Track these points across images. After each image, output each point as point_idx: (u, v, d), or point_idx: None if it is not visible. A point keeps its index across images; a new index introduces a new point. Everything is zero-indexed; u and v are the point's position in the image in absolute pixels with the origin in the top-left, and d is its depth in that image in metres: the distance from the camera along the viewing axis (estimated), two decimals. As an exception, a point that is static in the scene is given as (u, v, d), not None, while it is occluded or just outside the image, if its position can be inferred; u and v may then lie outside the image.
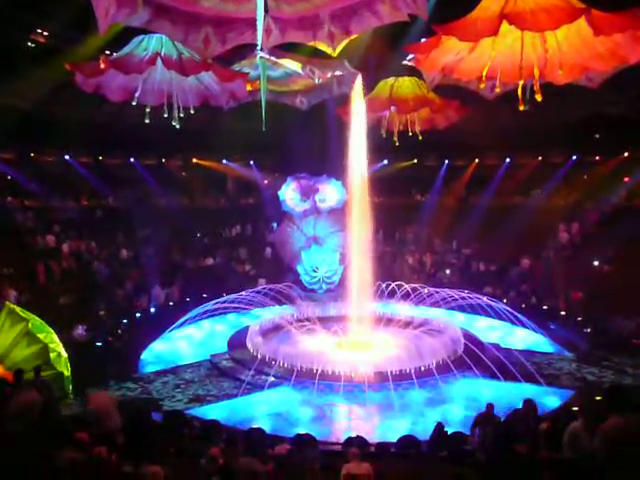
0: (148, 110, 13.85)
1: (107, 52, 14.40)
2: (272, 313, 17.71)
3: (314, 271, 21.22)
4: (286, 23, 9.53)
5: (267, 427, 9.98)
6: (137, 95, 13.38)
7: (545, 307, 19.01)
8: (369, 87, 16.51)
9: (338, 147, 16.90)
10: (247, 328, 16.06)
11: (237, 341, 15.83)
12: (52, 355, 10.80)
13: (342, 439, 9.32)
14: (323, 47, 10.12)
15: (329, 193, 21.63)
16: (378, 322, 16.53)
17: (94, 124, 20.98)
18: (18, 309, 11.34)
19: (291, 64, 14.90)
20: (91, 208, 24.19)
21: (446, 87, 12.38)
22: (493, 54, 9.89)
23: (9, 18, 15.80)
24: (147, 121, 13.88)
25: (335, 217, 21.38)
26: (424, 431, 9.44)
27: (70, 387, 11.07)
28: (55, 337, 11.37)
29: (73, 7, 13.67)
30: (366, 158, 16.37)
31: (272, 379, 12.81)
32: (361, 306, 15.96)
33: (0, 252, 17.83)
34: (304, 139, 21.66)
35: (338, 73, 15.35)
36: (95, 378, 12.34)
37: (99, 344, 14.93)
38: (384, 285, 17.50)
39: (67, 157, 23.69)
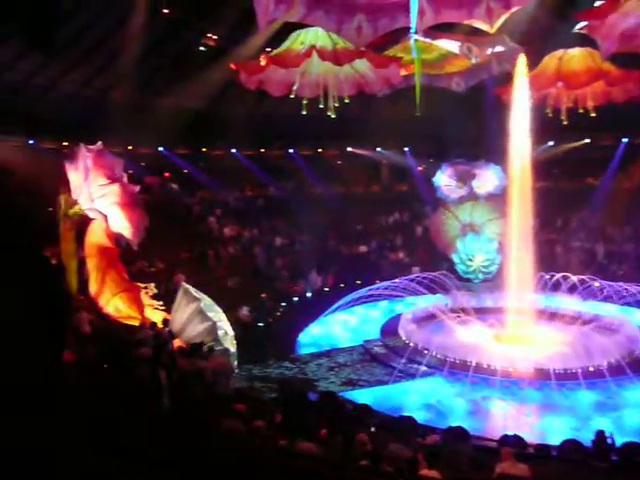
0: (305, 102, 14.39)
1: (267, 50, 15.18)
2: (425, 302, 17.44)
3: (470, 260, 20.41)
4: (440, 3, 9.19)
5: (418, 416, 9.87)
6: (295, 88, 13.97)
7: None
8: (533, 62, 15.31)
9: (497, 130, 15.97)
10: (400, 316, 16.03)
11: (390, 328, 15.89)
12: (220, 332, 11.80)
13: (497, 436, 8.87)
14: (480, 25, 9.60)
15: (487, 178, 20.59)
16: (540, 316, 15.41)
17: (256, 119, 22.34)
18: (192, 289, 12.56)
19: (447, 44, 14.40)
20: (254, 198, 25.89)
21: (624, 56, 11.00)
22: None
23: (185, 25, 17.44)
24: (304, 113, 14.42)
25: (493, 204, 20.32)
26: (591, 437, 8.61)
27: (235, 363, 12.02)
28: (223, 316, 12.41)
29: (237, 10, 14.66)
30: (529, 140, 15.25)
31: (424, 368, 12.63)
32: (521, 298, 15.00)
33: (178, 239, 19.85)
34: (460, 123, 20.82)
35: (498, 50, 14.47)
36: (256, 356, 13.24)
37: (260, 325, 15.99)
38: (547, 276, 16.24)
39: (233, 151, 25.58)
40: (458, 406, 11.06)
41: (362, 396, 11.44)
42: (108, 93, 18.79)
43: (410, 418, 9.10)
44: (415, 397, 11.45)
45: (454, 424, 9.03)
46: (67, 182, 11.84)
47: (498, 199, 19.68)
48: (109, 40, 16.68)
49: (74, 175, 11.75)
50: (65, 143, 17.61)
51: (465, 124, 21.13)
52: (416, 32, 11.53)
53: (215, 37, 18.71)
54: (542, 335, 14.24)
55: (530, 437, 9.06)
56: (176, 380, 8.05)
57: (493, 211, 20.41)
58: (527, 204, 15.10)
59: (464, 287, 19.13)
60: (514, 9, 9.21)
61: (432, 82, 15.88)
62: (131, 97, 18.42)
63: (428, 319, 15.66)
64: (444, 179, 21.13)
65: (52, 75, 17.39)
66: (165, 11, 16.64)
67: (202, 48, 19.09)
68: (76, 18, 15.26)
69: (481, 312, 15.88)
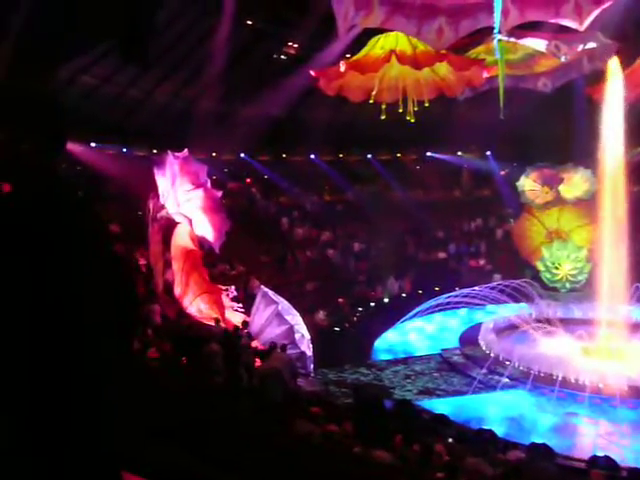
0: (384, 107, 14.32)
1: (347, 56, 15.28)
2: (507, 311, 16.79)
3: (556, 268, 19.43)
4: (525, 2, 8.87)
5: (498, 430, 9.50)
6: (374, 93, 13.95)
7: None
8: (628, 59, 14.37)
9: (587, 132, 15.13)
10: (480, 325, 15.54)
11: (469, 337, 15.43)
12: (297, 336, 11.97)
13: (585, 456, 8.35)
14: (568, 23, 9.16)
15: (575, 182, 19.55)
16: (633, 329, 14.39)
17: (335, 124, 22.50)
18: (270, 292, 12.84)
19: (533, 43, 13.84)
20: (332, 203, 26.07)
21: None
22: None
23: (266, 35, 17.93)
24: (383, 117, 14.36)
25: (583, 209, 19.25)
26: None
27: (311, 366, 12.14)
28: (300, 319, 12.58)
29: (318, 18, 14.87)
30: (623, 142, 14.33)
31: (506, 380, 12.15)
32: (612, 309, 14.09)
33: (257, 243, 20.38)
34: (546, 125, 19.93)
35: (589, 47, 13.72)
36: (333, 360, 13.31)
37: (337, 329, 16.06)
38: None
39: (312, 156, 25.92)
40: (542, 422, 10.54)
41: (439, 406, 11.19)
42: (195, 103, 19.65)
43: (490, 431, 8.77)
44: (496, 410, 11.04)
45: (537, 441, 8.61)
46: (156, 187, 12.51)
47: (588, 204, 18.62)
48: (197, 52, 17.46)
49: (162, 181, 12.38)
50: (155, 151, 18.61)
51: (552, 126, 20.18)
52: (500, 32, 11.17)
53: (295, 45, 19.09)
54: (636, 350, 13.28)
55: (622, 459, 8.47)
56: (254, 380, 8.27)
57: (582, 217, 19.34)
58: (620, 210, 14.18)
59: (549, 296, 18.22)
60: (606, 4, 8.72)
61: (517, 83, 15.31)
62: (216, 106, 19.18)
63: (510, 329, 15.06)
64: (529, 183, 20.29)
65: (145, 87, 18.43)
66: (248, 22, 17.20)
67: (283, 57, 19.54)
68: (167, 32, 16.08)
69: (568, 323, 15.06)
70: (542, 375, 12.07)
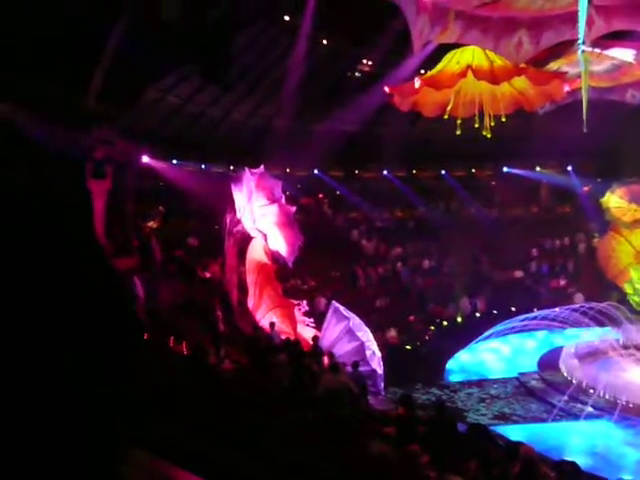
0: (459, 122, 14.08)
1: (422, 72, 15.19)
2: (591, 335, 15.84)
3: (646, 291, 18.20)
4: (611, 10, 8.48)
5: (581, 462, 8.93)
6: (449, 108, 13.75)
7: None
8: None
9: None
10: (560, 349, 14.78)
11: (548, 361, 14.70)
12: (368, 353, 11.88)
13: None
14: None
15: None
16: None
17: (409, 140, 22.36)
18: (342, 308, 12.84)
19: (620, 53, 13.18)
20: (404, 219, 25.81)
21: None
22: None
23: (341, 54, 18.19)
24: (458, 133, 14.11)
25: (676, 228, 17.98)
26: None
27: (382, 384, 11.99)
28: (371, 336, 12.48)
29: (392, 35, 14.93)
30: None
31: (590, 409, 11.44)
32: None
33: (329, 258, 20.48)
34: (634, 138, 18.83)
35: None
36: (404, 379, 13.07)
37: (408, 347, 15.78)
38: None
39: (385, 172, 25.84)
40: (629, 456, 9.82)
41: (516, 432, 10.69)
42: (271, 120, 20.19)
43: (572, 463, 8.26)
44: (578, 440, 10.41)
45: (625, 476, 8.03)
46: (232, 203, 12.92)
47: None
48: (274, 71, 17.99)
49: (239, 197, 12.77)
50: (232, 167, 19.24)
51: (640, 139, 19.06)
52: (583, 43, 10.73)
53: (370, 63, 19.23)
54: None
55: None
56: (323, 394, 8.27)
57: (676, 236, 18.05)
58: None
59: (639, 321, 17.05)
60: None
61: (602, 95, 14.60)
62: (291, 123, 19.61)
63: (594, 355, 14.20)
64: (614, 200, 19.22)
65: (224, 106, 19.16)
66: (324, 42, 17.54)
67: (357, 74, 19.73)
68: (246, 53, 16.69)
69: (660, 351, 14.01)
70: (631, 405, 11.28)
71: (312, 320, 13.37)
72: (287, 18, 16.13)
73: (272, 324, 11.87)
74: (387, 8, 10.74)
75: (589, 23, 8.67)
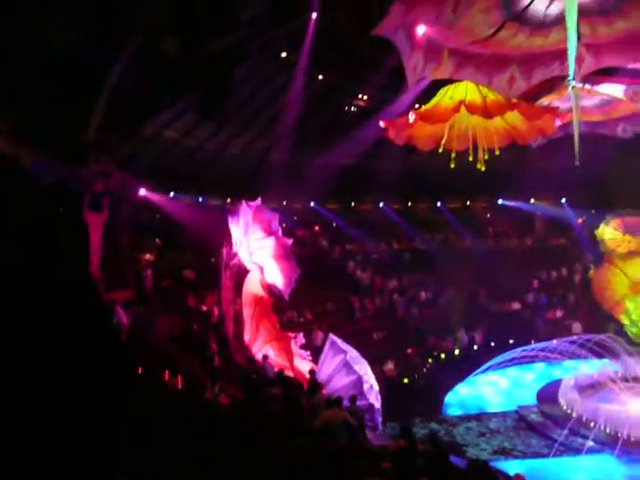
0: (453, 155, 14.26)
1: (416, 106, 15.45)
2: (589, 367, 15.73)
3: (643, 322, 18.15)
4: (600, 48, 8.71)
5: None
6: (443, 142, 13.94)
7: None
8: None
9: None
10: (559, 381, 14.64)
11: (548, 394, 14.56)
12: (365, 386, 11.73)
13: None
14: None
15: (662, 231, 18.45)
16: None
17: (404, 173, 22.59)
18: (339, 341, 12.73)
19: (610, 89, 13.46)
20: (400, 251, 25.85)
21: None
22: None
23: (337, 88, 18.54)
24: (452, 166, 14.27)
25: (670, 259, 18.05)
26: None
27: (380, 419, 11.80)
28: (368, 369, 12.34)
29: (387, 70, 15.25)
30: None
31: (591, 444, 11.28)
32: None
33: (325, 290, 20.41)
34: (627, 171, 19.11)
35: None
36: (401, 413, 12.88)
37: (406, 381, 15.61)
38: None
39: (381, 204, 26.01)
40: (633, 491, 9.65)
41: (516, 467, 10.50)
42: (268, 153, 20.40)
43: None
44: (580, 476, 10.24)
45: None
46: (229, 236, 12.94)
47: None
48: (271, 105, 18.26)
49: (235, 229, 12.80)
50: (229, 200, 19.33)
51: (633, 171, 19.32)
52: (574, 79, 10.98)
53: (365, 97, 19.58)
54: None
55: None
56: (316, 425, 8.15)
57: (670, 268, 18.11)
58: None
59: (637, 353, 16.96)
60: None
61: (594, 129, 14.86)
62: (288, 156, 19.82)
63: (594, 387, 14.08)
64: (609, 231, 19.34)
65: (221, 140, 19.38)
66: (320, 77, 17.87)
67: (353, 108, 20.05)
68: (244, 88, 16.97)
69: (659, 383, 13.91)
70: (632, 439, 11.13)
71: (309, 353, 13.25)
72: (284, 55, 16.45)
73: (265, 357, 11.78)
74: (382, 44, 11.00)
75: (579, 60, 8.88)
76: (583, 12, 7.65)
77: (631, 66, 9.77)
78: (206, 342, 11.71)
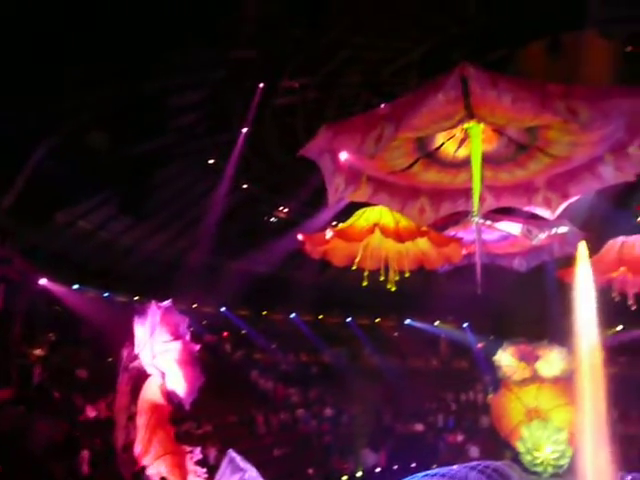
0: (366, 274, 14.80)
1: (334, 224, 16.16)
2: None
3: (537, 450, 18.59)
4: (500, 190, 9.74)
5: None
6: (357, 260, 14.50)
7: None
8: (595, 248, 15.37)
9: (559, 311, 15.60)
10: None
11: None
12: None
13: None
14: (540, 211, 9.96)
15: (552, 360, 19.57)
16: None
17: (317, 286, 23.00)
18: (238, 458, 11.96)
19: (508, 226, 14.84)
20: (308, 364, 25.57)
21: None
22: None
23: (259, 200, 19.12)
24: (365, 283, 14.75)
25: (561, 388, 19.01)
26: None
27: None
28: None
29: (309, 188, 16.06)
30: (596, 323, 14.71)
31: None
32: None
33: (228, 401, 19.50)
34: (522, 302, 20.60)
35: (559, 232, 14.74)
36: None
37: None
38: (629, 477, 14.40)
39: (292, 315, 26.02)
40: None
41: None
42: (185, 254, 20.19)
43: None
44: None
45: None
46: (132, 336, 12.25)
47: (566, 383, 18.45)
48: (193, 208, 18.42)
49: (141, 330, 12.17)
50: (136, 297, 18.59)
51: (527, 303, 20.85)
52: (477, 215, 12.04)
53: (286, 210, 20.29)
54: None
55: None
56: None
57: (561, 396, 19.02)
58: (599, 391, 14.03)
59: (532, 481, 17.22)
60: (572, 199, 9.55)
61: (494, 260, 16.09)
62: (204, 259, 19.70)
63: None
64: (506, 358, 20.24)
65: (138, 236, 19.03)
66: (244, 186, 18.46)
67: (274, 219, 20.65)
68: (167, 188, 17.09)
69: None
70: None
71: (205, 470, 12.28)
72: (211, 161, 16.95)
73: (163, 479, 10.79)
74: (307, 163, 11.66)
75: (482, 199, 9.84)
76: (486, 159, 8.60)
77: (526, 208, 10.89)
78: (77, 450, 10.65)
